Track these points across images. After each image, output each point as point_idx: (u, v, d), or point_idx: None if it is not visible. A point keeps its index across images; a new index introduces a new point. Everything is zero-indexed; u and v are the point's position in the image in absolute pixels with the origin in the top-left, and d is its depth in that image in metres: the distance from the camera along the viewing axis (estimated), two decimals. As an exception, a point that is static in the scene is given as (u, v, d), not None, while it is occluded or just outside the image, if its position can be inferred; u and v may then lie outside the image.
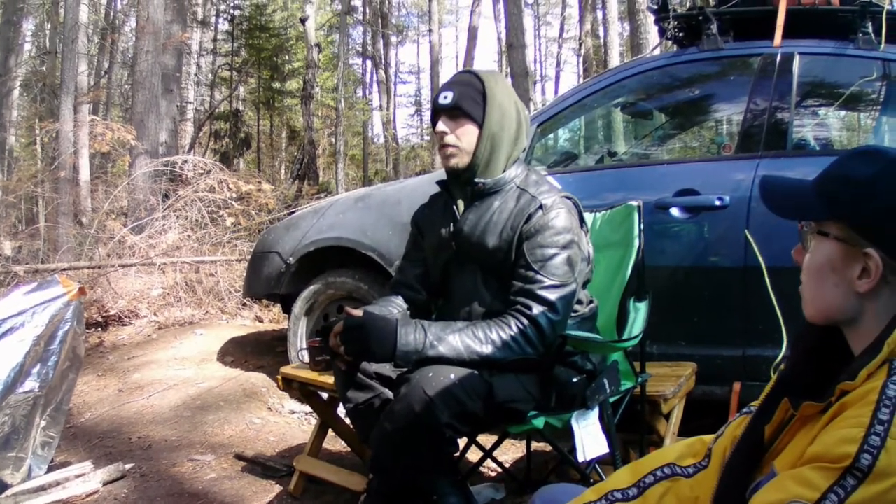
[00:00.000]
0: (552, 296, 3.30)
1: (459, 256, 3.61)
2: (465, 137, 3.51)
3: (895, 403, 1.53)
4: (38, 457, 4.71)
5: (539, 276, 3.33)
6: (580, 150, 6.80)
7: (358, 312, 3.32)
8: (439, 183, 3.81)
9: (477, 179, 3.55)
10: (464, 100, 3.49)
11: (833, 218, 1.77)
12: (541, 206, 3.42)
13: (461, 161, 3.54)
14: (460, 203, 3.64)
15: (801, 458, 1.62)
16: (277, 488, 4.84)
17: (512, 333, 3.25)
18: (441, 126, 3.54)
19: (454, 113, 3.51)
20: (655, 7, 5.90)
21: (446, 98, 3.51)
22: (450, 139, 3.52)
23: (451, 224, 3.64)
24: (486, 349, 3.22)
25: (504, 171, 3.57)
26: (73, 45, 18.22)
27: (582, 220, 3.59)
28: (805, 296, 1.87)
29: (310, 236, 6.26)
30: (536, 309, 3.28)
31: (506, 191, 3.56)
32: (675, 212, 5.02)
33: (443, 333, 3.24)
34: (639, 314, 3.95)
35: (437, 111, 3.58)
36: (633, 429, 4.01)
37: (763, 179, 1.95)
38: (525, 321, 3.27)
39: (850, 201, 1.73)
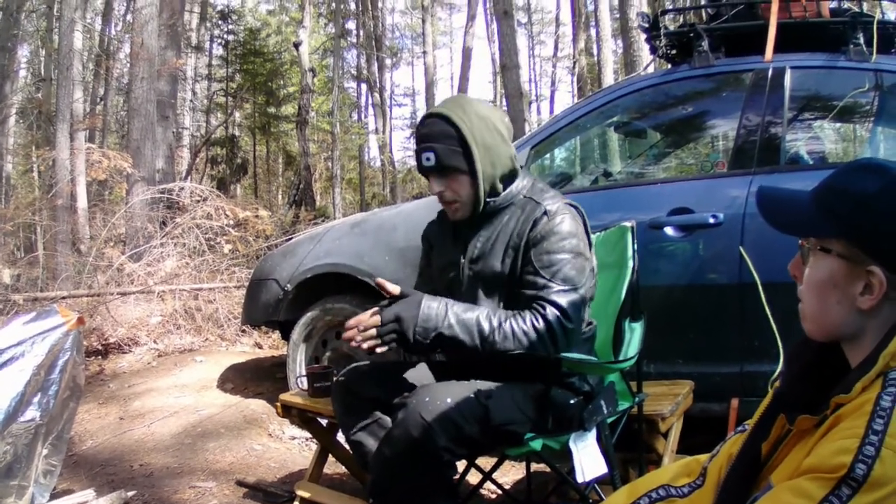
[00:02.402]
0: (563, 301, 3.29)
1: (469, 276, 3.62)
2: (461, 190, 3.50)
3: (889, 414, 1.55)
4: (41, 485, 4.71)
5: (549, 283, 3.33)
6: (575, 171, 6.80)
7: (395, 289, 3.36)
8: None
9: (487, 199, 3.54)
10: (446, 157, 3.45)
11: (836, 235, 1.78)
12: (545, 213, 3.43)
13: (466, 211, 3.55)
14: (470, 223, 3.63)
15: (797, 470, 1.63)
16: (279, 514, 4.86)
17: (525, 328, 3.25)
18: (435, 187, 3.54)
19: (442, 172, 3.49)
20: (646, 25, 5.92)
21: (429, 160, 3.47)
22: (448, 195, 3.53)
23: (463, 246, 3.65)
24: (498, 336, 3.23)
25: (505, 187, 3.57)
26: (68, 72, 18.19)
27: (587, 229, 3.59)
28: (805, 312, 1.88)
29: (307, 263, 6.26)
30: (551, 312, 3.27)
31: (515, 203, 3.57)
32: (669, 231, 5.03)
33: (462, 314, 3.27)
34: (634, 335, 3.95)
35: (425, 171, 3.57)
36: (631, 448, 4.00)
37: (760, 192, 1.95)
38: (540, 320, 3.26)
39: (854, 219, 1.74)
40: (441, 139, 3.47)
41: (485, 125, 3.50)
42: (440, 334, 3.22)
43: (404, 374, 3.66)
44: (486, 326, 3.25)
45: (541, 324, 3.26)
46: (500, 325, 3.26)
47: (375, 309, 3.29)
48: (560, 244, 3.39)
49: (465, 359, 3.40)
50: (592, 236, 3.89)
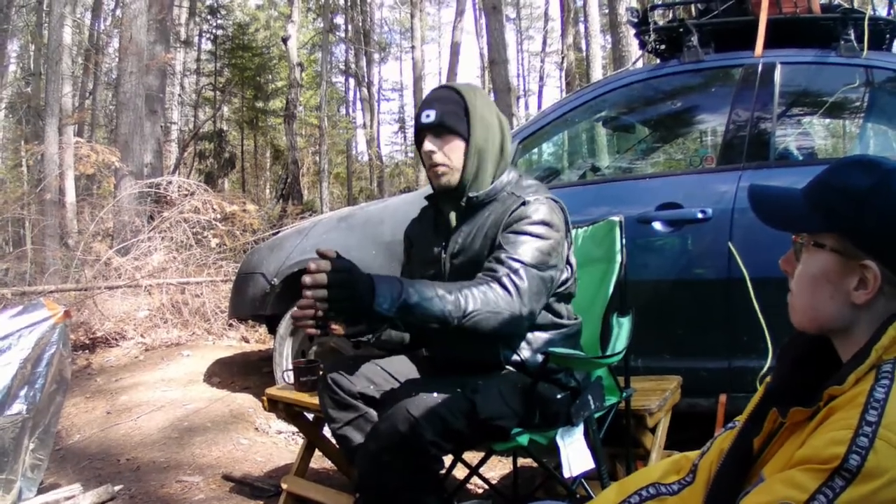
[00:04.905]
0: (517, 265, 3.26)
1: (450, 271, 3.59)
2: (453, 154, 3.48)
3: (883, 405, 1.54)
4: (28, 479, 4.70)
5: (508, 254, 3.30)
6: (563, 166, 6.78)
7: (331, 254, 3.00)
8: (428, 198, 3.79)
9: (470, 194, 3.52)
10: (447, 116, 3.45)
11: (830, 230, 1.77)
12: (524, 203, 3.40)
13: (452, 178, 3.51)
14: (452, 217, 3.61)
15: (789, 462, 1.62)
16: (265, 509, 4.84)
17: (483, 288, 3.19)
18: (428, 146, 3.50)
19: (439, 130, 3.47)
20: (636, 20, 5.90)
21: (429, 116, 3.47)
22: (438, 157, 3.49)
23: (444, 241, 3.62)
24: (462, 299, 3.12)
25: (492, 182, 3.55)
26: (57, 67, 18.23)
27: (567, 224, 3.56)
28: (796, 306, 1.87)
29: (294, 257, 6.25)
30: (502, 271, 3.25)
31: (499, 199, 3.53)
32: (657, 226, 5.01)
33: (416, 284, 3.14)
34: (622, 329, 3.93)
35: (422, 130, 3.54)
36: (619, 443, 3.99)
37: (751, 189, 1.93)
38: (493, 281, 3.23)
39: (848, 214, 1.73)
40: (445, 102, 3.50)
41: (487, 105, 3.54)
42: (405, 303, 3.06)
43: (390, 369, 3.64)
44: (443, 290, 3.15)
45: (494, 283, 3.23)
46: (459, 289, 3.18)
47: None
48: (528, 227, 3.36)
49: (435, 332, 3.34)
50: (580, 230, 3.87)
